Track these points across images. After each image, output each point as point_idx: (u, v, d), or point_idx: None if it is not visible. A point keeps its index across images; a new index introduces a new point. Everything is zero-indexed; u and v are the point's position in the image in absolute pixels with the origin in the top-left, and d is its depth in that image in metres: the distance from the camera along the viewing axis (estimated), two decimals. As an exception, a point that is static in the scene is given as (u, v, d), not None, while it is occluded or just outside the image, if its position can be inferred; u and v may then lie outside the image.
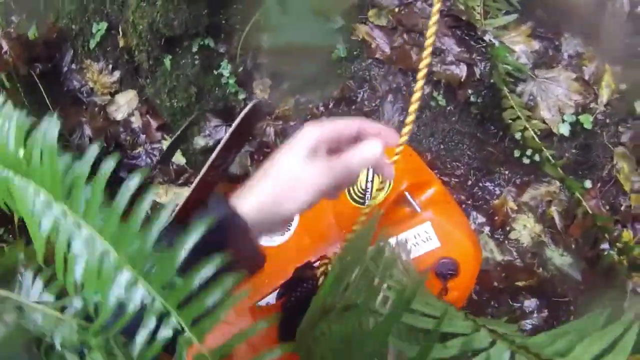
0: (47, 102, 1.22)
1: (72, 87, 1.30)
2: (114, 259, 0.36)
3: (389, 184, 0.84)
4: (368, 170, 0.88)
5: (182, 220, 0.80)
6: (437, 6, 0.55)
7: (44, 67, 1.25)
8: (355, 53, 1.10)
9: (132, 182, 0.37)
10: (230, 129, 0.80)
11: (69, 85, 1.30)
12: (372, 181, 0.86)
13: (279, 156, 0.50)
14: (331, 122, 0.51)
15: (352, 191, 0.88)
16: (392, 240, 0.83)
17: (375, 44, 1.08)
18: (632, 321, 0.29)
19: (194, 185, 0.82)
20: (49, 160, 0.40)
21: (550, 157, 0.99)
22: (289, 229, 0.89)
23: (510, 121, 0.99)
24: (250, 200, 0.48)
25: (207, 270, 0.35)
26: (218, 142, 1.22)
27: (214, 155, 0.80)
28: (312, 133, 0.49)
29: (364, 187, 0.87)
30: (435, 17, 0.55)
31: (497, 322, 0.36)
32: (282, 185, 0.48)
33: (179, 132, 0.89)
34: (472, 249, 0.84)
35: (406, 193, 0.83)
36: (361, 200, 0.85)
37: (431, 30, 0.55)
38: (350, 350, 0.35)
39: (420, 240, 0.83)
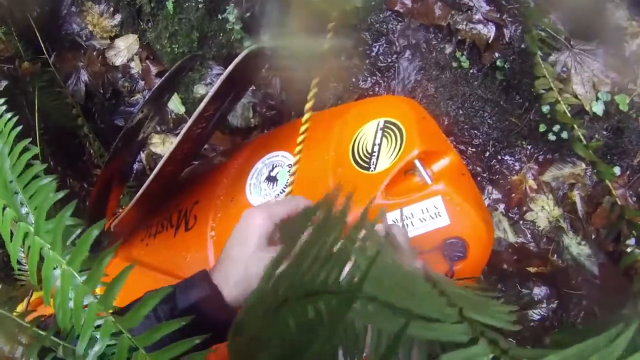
0: (43, 47, 1.14)
1: (70, 31, 1.23)
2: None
3: (399, 149, 0.75)
4: (376, 132, 0.79)
5: (167, 175, 0.75)
6: None
7: (42, 9, 1.17)
8: (372, 3, 0.99)
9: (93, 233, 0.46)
10: (223, 75, 0.72)
11: (67, 29, 1.22)
12: (380, 144, 0.78)
13: (239, 243, 0.54)
14: (279, 206, 0.56)
15: (356, 154, 0.79)
16: (396, 214, 0.75)
17: (396, -5, 0.98)
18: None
19: (181, 133, 0.74)
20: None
21: (582, 137, 0.89)
22: (284, 191, 0.82)
23: (542, 91, 0.89)
24: (221, 279, 0.52)
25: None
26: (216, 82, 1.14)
27: (203, 103, 0.72)
28: (264, 222, 0.53)
29: (370, 149, 0.78)
30: None
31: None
32: (243, 273, 0.52)
33: (172, 70, 0.81)
34: (484, 231, 0.76)
35: (417, 161, 0.74)
36: (366, 165, 0.77)
37: None
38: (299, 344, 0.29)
39: (428, 215, 0.74)
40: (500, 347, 0.28)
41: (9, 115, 0.66)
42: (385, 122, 0.79)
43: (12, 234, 0.53)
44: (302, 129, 0.75)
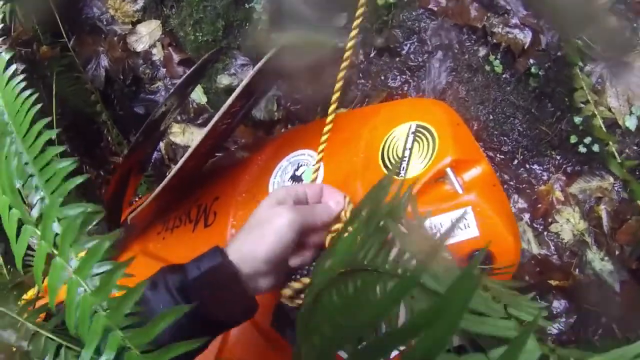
0: (62, 30, 1.12)
1: (91, 15, 1.20)
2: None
3: (432, 156, 0.73)
4: (408, 136, 0.77)
5: (189, 169, 0.75)
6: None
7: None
8: (405, 0, 0.96)
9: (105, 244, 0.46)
10: (251, 72, 0.70)
11: (87, 12, 1.20)
12: (411, 149, 0.75)
13: (253, 211, 0.56)
14: (302, 186, 0.59)
15: (385, 158, 0.77)
16: (425, 223, 0.73)
17: (430, -7, 0.95)
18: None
19: (206, 130, 0.72)
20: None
21: (616, 153, 0.86)
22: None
23: (580, 105, 0.86)
24: (233, 251, 0.52)
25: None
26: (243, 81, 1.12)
27: (230, 99, 0.69)
28: (280, 190, 0.57)
29: (400, 154, 0.75)
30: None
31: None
32: (253, 230, 0.53)
33: (198, 63, 0.79)
34: (512, 245, 0.73)
35: (449, 169, 0.72)
36: (396, 170, 0.74)
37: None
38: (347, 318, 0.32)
39: (457, 226, 0.72)
40: (548, 346, 0.29)
41: (27, 92, 0.63)
42: (418, 126, 0.76)
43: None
44: (326, 129, 0.73)
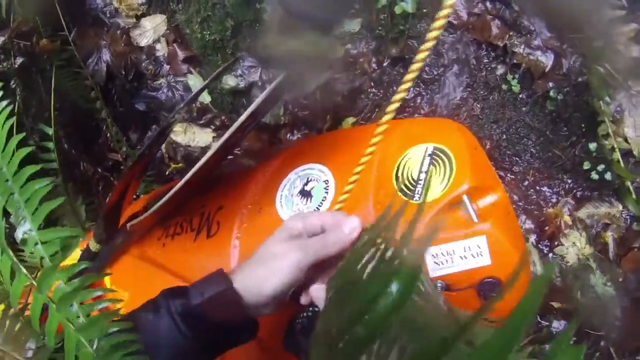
0: (63, 22, 1.07)
1: (94, 6, 1.16)
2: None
3: (448, 181, 0.71)
4: (424, 158, 0.74)
5: (194, 182, 0.73)
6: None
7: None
8: (424, 10, 0.93)
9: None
10: (258, 100, 0.67)
11: (90, 4, 1.16)
12: (427, 172, 0.73)
13: (264, 242, 0.55)
14: (317, 215, 0.57)
15: (400, 179, 0.74)
16: (436, 249, 0.71)
17: (450, 6, 0.92)
18: None
19: (215, 147, 0.69)
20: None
21: (632, 190, 0.85)
22: (319, 210, 0.77)
23: (602, 140, 0.84)
24: (238, 280, 0.52)
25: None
26: (250, 84, 1.08)
27: (242, 117, 0.66)
28: (295, 223, 0.55)
29: (415, 177, 0.73)
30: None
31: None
32: (262, 263, 0.52)
33: (214, 75, 0.76)
34: (523, 274, 0.72)
35: (465, 197, 0.69)
36: (410, 194, 0.72)
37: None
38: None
39: (470, 254, 0.70)
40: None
41: (3, 103, 0.61)
42: (435, 148, 0.74)
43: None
44: (371, 145, 0.68)
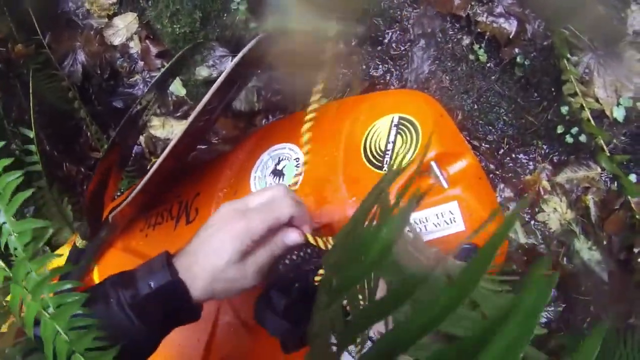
0: (37, 26, 1.08)
1: (66, 9, 1.16)
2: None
3: (415, 149, 0.71)
4: (390, 129, 0.75)
5: (168, 168, 0.73)
6: None
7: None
8: (387, -13, 0.94)
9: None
10: (228, 67, 0.67)
11: (63, 7, 1.16)
12: (394, 142, 0.73)
13: (202, 247, 0.53)
14: (257, 219, 0.53)
15: (368, 151, 0.75)
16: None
17: (413, -18, 0.92)
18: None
19: (180, 132, 0.70)
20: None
21: (605, 147, 0.85)
22: (292, 187, 0.78)
23: (569, 99, 0.85)
24: (183, 266, 0.52)
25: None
26: (222, 74, 1.09)
27: (206, 97, 0.67)
28: (237, 239, 0.52)
29: (383, 147, 0.74)
30: None
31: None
32: (202, 241, 0.53)
33: (176, 58, 0.76)
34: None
35: (433, 163, 0.70)
36: (379, 164, 0.73)
37: None
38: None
39: (443, 221, 0.71)
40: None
41: None
42: (400, 118, 0.74)
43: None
44: (305, 127, 0.70)
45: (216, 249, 0.52)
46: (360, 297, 0.35)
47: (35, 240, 0.58)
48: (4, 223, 0.58)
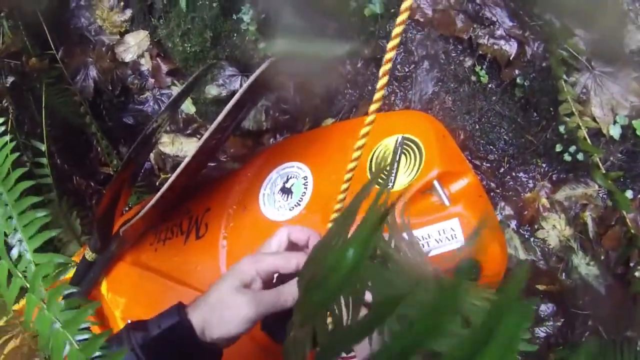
0: (50, 41, 1.12)
1: (79, 25, 1.20)
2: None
3: (418, 168, 0.74)
4: (394, 148, 0.78)
5: (180, 185, 0.75)
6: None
7: (50, 2, 1.13)
8: (392, 11, 0.97)
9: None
10: (241, 89, 0.70)
11: (75, 23, 1.20)
12: (399, 161, 0.76)
13: (217, 282, 0.56)
14: (270, 258, 0.56)
15: (373, 170, 0.78)
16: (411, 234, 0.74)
17: (416, 4, 0.96)
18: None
19: (195, 149, 0.73)
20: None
21: (600, 164, 0.88)
22: (299, 205, 0.80)
23: (565, 118, 0.88)
24: (195, 316, 0.54)
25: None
26: (232, 93, 1.12)
27: (220, 116, 0.70)
28: (247, 267, 0.55)
29: (388, 167, 0.77)
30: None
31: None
32: (214, 309, 0.54)
33: (192, 78, 0.79)
34: (499, 254, 0.75)
35: (435, 182, 0.73)
36: (382, 181, 0.75)
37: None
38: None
39: (444, 237, 0.73)
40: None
41: (7, 137, 0.66)
42: (404, 138, 0.77)
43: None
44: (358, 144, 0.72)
45: (231, 319, 0.53)
46: (330, 320, 0.36)
47: (57, 275, 0.59)
48: (25, 252, 0.60)
